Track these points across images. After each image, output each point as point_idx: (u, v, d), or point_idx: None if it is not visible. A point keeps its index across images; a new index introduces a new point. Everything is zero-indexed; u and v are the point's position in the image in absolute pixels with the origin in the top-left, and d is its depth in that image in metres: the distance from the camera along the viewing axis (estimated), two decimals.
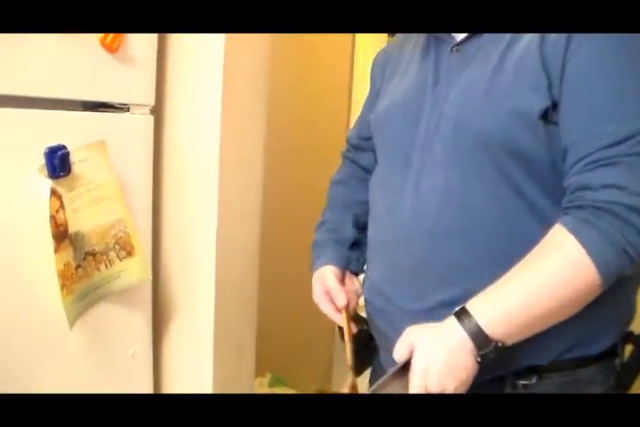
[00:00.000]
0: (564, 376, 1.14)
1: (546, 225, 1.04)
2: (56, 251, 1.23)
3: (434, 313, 1.10)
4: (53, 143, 1.24)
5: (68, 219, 1.27)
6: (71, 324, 1.29)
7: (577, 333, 1.12)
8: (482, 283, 1.04)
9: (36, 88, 1.25)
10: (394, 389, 1.04)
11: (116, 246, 1.40)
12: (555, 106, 1.05)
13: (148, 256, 1.55)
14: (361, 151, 1.51)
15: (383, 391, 1.03)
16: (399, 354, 1.06)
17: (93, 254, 1.35)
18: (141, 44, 1.42)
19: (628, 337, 1.20)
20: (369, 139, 1.43)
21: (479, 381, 1.13)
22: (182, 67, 1.58)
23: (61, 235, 1.25)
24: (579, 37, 1.03)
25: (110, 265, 1.40)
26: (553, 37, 1.05)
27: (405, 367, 1.05)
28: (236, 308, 1.71)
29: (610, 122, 1.01)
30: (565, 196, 1.05)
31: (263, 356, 1.94)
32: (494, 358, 1.02)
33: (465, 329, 1.01)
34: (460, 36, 1.18)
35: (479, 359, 1.02)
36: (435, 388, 1.02)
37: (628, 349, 1.20)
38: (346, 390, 1.26)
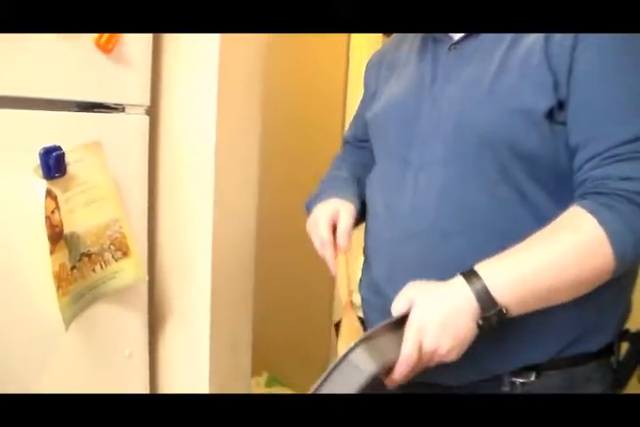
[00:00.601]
0: (562, 374, 1.14)
1: (544, 222, 1.04)
2: (51, 252, 1.23)
3: None
4: (48, 144, 1.23)
5: (63, 220, 1.27)
6: (67, 325, 1.29)
7: (574, 330, 1.13)
8: None
9: (32, 89, 1.25)
10: (386, 341, 0.99)
11: (112, 247, 1.40)
12: (560, 105, 1.06)
13: (144, 257, 1.55)
14: (359, 149, 1.52)
15: (374, 341, 0.98)
16: (397, 308, 1.04)
17: (89, 255, 1.35)
18: (136, 44, 1.42)
19: (625, 335, 1.20)
20: (365, 140, 1.43)
21: (477, 379, 1.13)
22: (177, 67, 1.58)
23: (57, 236, 1.25)
24: (586, 37, 1.03)
25: (106, 266, 1.40)
26: (558, 37, 1.05)
27: (401, 322, 1.02)
28: (232, 307, 1.71)
29: (623, 121, 1.02)
30: (580, 186, 1.05)
31: (259, 355, 1.95)
32: (494, 325, 1.00)
33: (472, 289, 0.99)
34: (457, 36, 1.18)
35: (480, 322, 0.99)
36: (430, 343, 0.99)
37: (624, 347, 1.20)
38: (348, 333, 1.22)
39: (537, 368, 1.14)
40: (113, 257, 1.41)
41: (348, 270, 1.28)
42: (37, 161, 1.22)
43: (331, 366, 0.94)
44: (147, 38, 1.47)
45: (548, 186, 1.10)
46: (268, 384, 2.85)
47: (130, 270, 1.45)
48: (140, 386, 1.61)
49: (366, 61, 1.50)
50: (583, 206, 1.01)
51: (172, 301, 1.67)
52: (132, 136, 1.49)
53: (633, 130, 1.01)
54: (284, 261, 2.60)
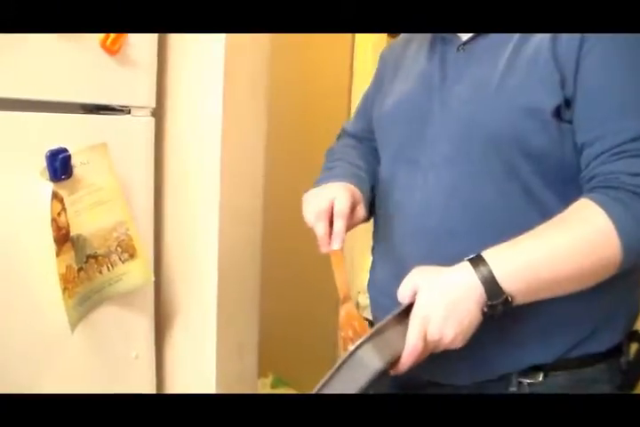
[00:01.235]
0: (570, 375, 1.14)
1: None
2: (58, 254, 1.23)
3: None
4: (55, 146, 1.24)
5: (69, 222, 1.27)
6: (73, 327, 1.29)
7: (582, 330, 1.12)
8: None
9: (37, 91, 1.25)
10: (393, 334, 0.98)
11: (119, 249, 1.40)
12: (567, 103, 1.06)
13: (150, 258, 1.55)
14: (361, 142, 1.50)
15: (381, 336, 0.97)
16: (402, 295, 1.02)
17: (95, 257, 1.35)
18: (142, 46, 1.42)
19: (634, 335, 1.20)
20: (369, 133, 1.43)
21: (485, 379, 1.13)
22: (183, 68, 1.58)
23: (63, 238, 1.25)
24: (592, 36, 1.03)
25: (112, 268, 1.40)
26: (565, 36, 1.05)
27: (407, 311, 1.00)
28: (239, 309, 1.71)
29: (632, 117, 1.02)
30: (588, 182, 1.04)
31: (266, 357, 1.94)
32: (499, 313, 0.99)
33: (478, 276, 0.97)
34: (465, 36, 1.18)
35: (485, 310, 0.98)
36: (434, 332, 0.98)
37: (634, 347, 1.20)
38: (346, 324, 1.21)
39: (544, 369, 1.14)
40: (120, 259, 1.41)
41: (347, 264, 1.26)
42: (44, 163, 1.22)
43: (338, 362, 0.94)
44: (152, 40, 1.47)
45: (555, 184, 1.10)
46: (274, 386, 2.85)
47: (137, 272, 1.45)
48: (146, 388, 1.61)
49: (371, 59, 1.50)
50: (592, 199, 1.00)
51: (178, 302, 1.67)
52: (137, 138, 1.49)
53: None
54: (290, 263, 2.60)
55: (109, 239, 1.38)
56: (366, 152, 1.46)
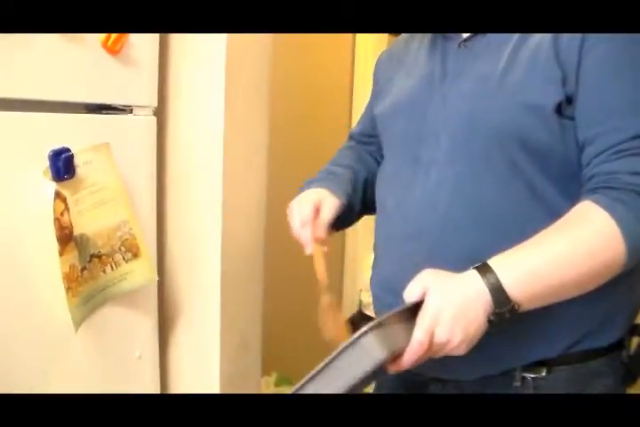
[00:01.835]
0: (573, 369, 1.14)
1: (555, 217, 1.04)
2: (61, 253, 1.23)
3: None
4: (57, 146, 1.24)
5: (72, 221, 1.27)
6: (77, 326, 1.29)
7: (585, 326, 1.13)
8: None
9: (39, 91, 1.25)
10: (398, 328, 0.97)
11: (122, 248, 1.40)
12: (569, 100, 1.06)
13: (154, 258, 1.55)
14: (365, 145, 1.52)
15: (386, 327, 0.95)
16: (411, 294, 1.02)
17: (99, 256, 1.35)
18: (143, 45, 1.42)
19: (635, 330, 1.20)
20: (372, 136, 1.44)
21: (488, 374, 1.13)
22: (184, 68, 1.58)
23: (66, 237, 1.26)
24: (593, 34, 1.04)
25: (116, 267, 1.40)
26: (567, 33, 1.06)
27: (413, 310, 1.00)
28: (242, 308, 1.71)
29: (632, 116, 1.02)
30: (589, 181, 1.05)
31: (269, 355, 1.95)
32: (506, 320, 0.99)
33: (485, 283, 0.98)
34: (467, 33, 1.18)
35: (492, 318, 0.98)
36: (442, 333, 0.97)
37: (636, 341, 1.20)
38: (325, 312, 1.21)
39: (548, 363, 1.14)
40: (123, 258, 1.41)
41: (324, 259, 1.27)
42: (46, 163, 1.22)
43: (340, 346, 0.93)
44: (153, 39, 1.47)
45: (557, 180, 1.10)
46: (278, 384, 2.85)
47: (140, 271, 1.46)
48: (150, 387, 1.61)
49: (372, 59, 1.51)
50: (594, 201, 1.01)
51: (181, 302, 1.67)
52: (139, 137, 1.49)
53: None
54: (293, 261, 2.60)
55: (113, 239, 1.38)
56: (362, 154, 1.49)
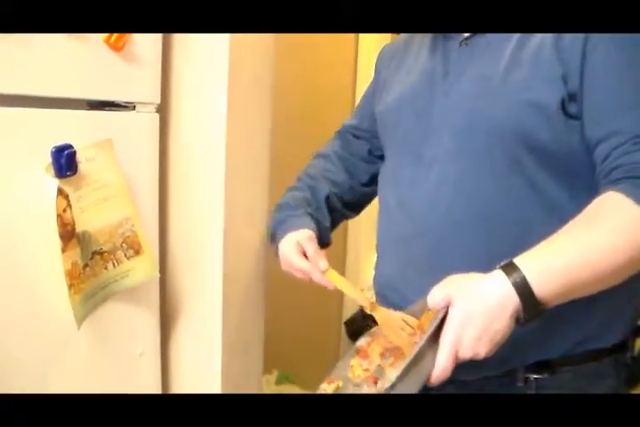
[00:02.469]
0: (576, 370, 1.14)
1: (557, 215, 1.03)
2: (63, 250, 1.23)
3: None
4: (60, 142, 1.23)
5: (75, 218, 1.27)
6: (79, 323, 1.29)
7: (588, 327, 1.13)
8: None
9: (42, 87, 1.25)
10: (425, 358, 0.96)
11: (124, 245, 1.40)
12: (571, 97, 1.05)
13: (156, 255, 1.55)
14: (358, 138, 1.52)
15: (413, 369, 0.95)
16: (434, 301, 0.99)
17: (101, 253, 1.35)
18: (146, 42, 1.42)
19: (639, 331, 1.20)
20: (368, 131, 1.44)
21: (491, 375, 1.13)
22: (187, 64, 1.58)
23: (68, 234, 1.25)
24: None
25: (118, 264, 1.40)
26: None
27: (440, 326, 0.98)
28: (244, 305, 1.71)
29: None
30: (610, 173, 1.03)
31: (270, 353, 1.95)
32: (533, 319, 0.97)
33: (513, 285, 0.94)
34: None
35: (520, 318, 0.96)
36: (466, 354, 0.96)
37: (639, 343, 1.20)
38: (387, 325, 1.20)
39: (551, 364, 1.14)
40: (125, 255, 1.41)
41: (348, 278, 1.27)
42: (49, 160, 1.22)
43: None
44: (156, 36, 1.46)
45: (560, 178, 1.10)
46: (279, 382, 2.85)
47: (142, 268, 1.45)
48: (151, 385, 1.61)
49: (375, 58, 1.50)
50: (619, 190, 0.99)
51: (183, 299, 1.67)
52: (142, 134, 1.49)
53: None
54: None
55: (115, 236, 1.38)
56: (328, 166, 1.52)
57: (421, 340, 0.97)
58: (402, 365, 0.96)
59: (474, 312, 0.95)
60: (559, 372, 1.15)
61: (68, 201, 1.25)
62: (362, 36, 2.95)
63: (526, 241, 1.00)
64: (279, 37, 1.68)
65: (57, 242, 1.22)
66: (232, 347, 1.67)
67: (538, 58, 1.08)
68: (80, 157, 1.27)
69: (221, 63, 1.51)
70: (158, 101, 1.51)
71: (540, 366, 1.15)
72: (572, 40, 1.05)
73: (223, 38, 1.50)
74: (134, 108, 1.45)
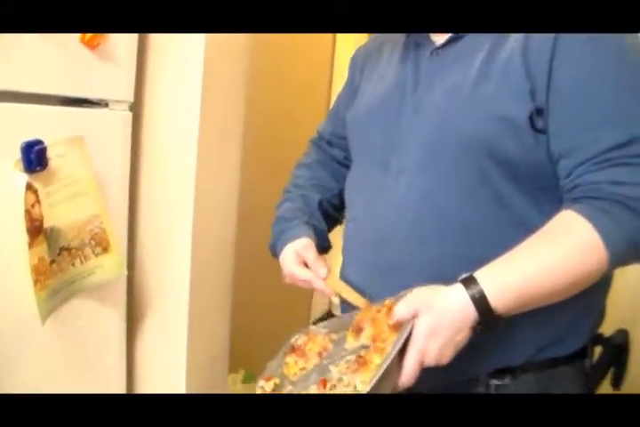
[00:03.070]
0: (536, 376, 1.16)
1: (523, 228, 1.05)
2: (30, 246, 1.22)
3: None
4: (31, 138, 1.23)
5: (43, 214, 1.26)
6: (43, 319, 1.28)
7: (549, 334, 1.14)
8: None
9: (15, 82, 1.24)
10: (393, 367, 1.00)
11: (92, 242, 1.40)
12: (538, 112, 1.06)
13: (124, 252, 1.55)
14: (332, 146, 1.53)
15: (385, 380, 0.98)
16: (401, 313, 1.02)
17: (68, 250, 1.35)
18: (122, 40, 1.42)
19: (598, 339, 1.22)
20: (343, 138, 1.44)
21: (453, 381, 1.14)
22: (162, 64, 1.58)
23: (36, 229, 1.25)
24: (564, 45, 1.04)
25: (85, 261, 1.40)
26: (536, 43, 1.06)
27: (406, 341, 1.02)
28: (211, 304, 1.71)
29: (611, 126, 1.02)
30: (571, 191, 1.05)
31: (236, 352, 1.95)
32: (490, 331, 1.01)
33: (470, 297, 0.99)
34: (439, 40, 1.18)
35: (477, 329, 1.01)
36: (430, 362, 1.00)
37: (598, 350, 1.22)
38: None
39: (512, 371, 1.15)
40: (93, 252, 1.41)
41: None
42: (18, 154, 1.22)
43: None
44: (132, 35, 1.46)
45: (528, 192, 1.10)
46: (245, 381, 2.84)
47: (109, 266, 1.45)
48: (116, 381, 1.61)
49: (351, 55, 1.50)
50: (577, 210, 1.01)
51: (150, 296, 1.67)
52: (114, 132, 1.48)
53: (620, 134, 1.01)
54: (263, 259, 2.60)
55: (83, 232, 1.37)
56: (317, 173, 1.52)
57: (391, 351, 1.00)
58: (372, 374, 0.99)
59: (439, 324, 1.00)
60: (520, 378, 1.16)
61: (37, 196, 1.25)
62: (339, 35, 2.95)
63: (491, 253, 1.03)
64: (255, 36, 1.69)
65: (24, 237, 1.21)
66: (198, 345, 1.67)
67: (505, 72, 1.08)
68: (50, 152, 1.26)
69: (196, 63, 1.51)
70: (132, 100, 1.51)
71: (501, 373, 1.16)
72: (538, 55, 1.05)
73: (198, 38, 1.50)
74: (107, 105, 1.45)
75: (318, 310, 2.87)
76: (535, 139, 1.07)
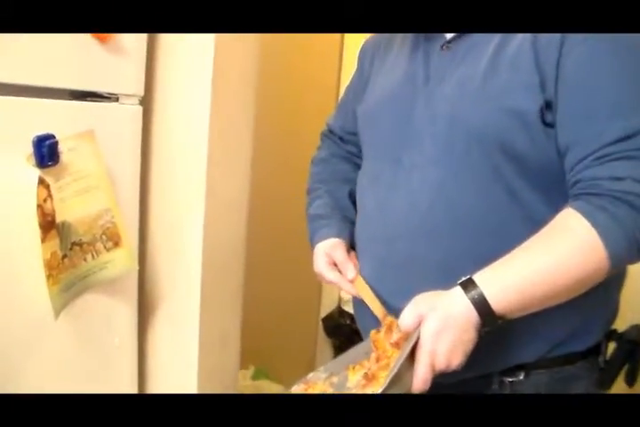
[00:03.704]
0: (550, 373, 1.15)
1: (534, 224, 1.04)
2: (43, 240, 1.23)
3: None
4: (42, 132, 1.23)
5: (55, 208, 1.26)
6: (57, 314, 1.29)
7: (562, 331, 1.13)
8: None
9: (26, 76, 1.24)
10: (407, 372, 1.00)
11: (103, 237, 1.39)
12: (548, 105, 1.06)
13: (135, 247, 1.55)
14: (345, 143, 1.52)
15: (396, 384, 0.98)
16: (406, 323, 1.02)
17: (80, 244, 1.35)
18: (132, 34, 1.42)
19: (612, 335, 1.21)
20: (354, 133, 1.43)
21: (467, 377, 1.13)
22: (172, 57, 1.58)
23: (48, 224, 1.25)
24: (572, 38, 1.03)
25: (97, 255, 1.39)
26: (545, 38, 1.05)
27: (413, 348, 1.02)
28: (222, 300, 1.71)
29: (614, 119, 1.01)
30: (572, 187, 1.04)
31: (247, 348, 1.95)
32: (494, 330, 1.01)
33: (470, 300, 0.99)
34: (449, 34, 1.18)
35: (482, 333, 1.01)
36: (441, 365, 1.00)
37: (612, 346, 1.21)
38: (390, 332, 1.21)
39: (526, 367, 1.15)
40: (104, 247, 1.40)
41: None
42: (30, 149, 1.21)
43: None
44: None
45: (539, 186, 1.10)
46: (255, 377, 2.85)
47: (121, 261, 1.45)
48: (128, 376, 1.61)
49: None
50: (576, 209, 1.00)
51: (162, 291, 1.67)
52: (125, 126, 1.48)
53: (624, 128, 1.00)
54: (274, 255, 2.60)
55: (94, 227, 1.37)
56: (337, 166, 1.50)
57: (399, 358, 1.00)
58: (381, 383, 0.99)
59: (446, 324, 0.99)
60: (533, 375, 1.15)
61: (49, 191, 1.24)
62: (347, 34, 2.95)
63: (502, 248, 1.02)
64: (265, 33, 1.68)
65: (37, 232, 1.21)
66: (209, 341, 1.67)
67: (515, 65, 1.07)
68: (62, 147, 1.26)
69: (206, 58, 1.51)
70: (142, 94, 1.50)
71: (515, 369, 1.16)
72: (547, 48, 1.04)
73: (209, 34, 1.50)
74: (117, 99, 1.45)
75: (327, 307, 2.87)
76: (545, 133, 1.06)
